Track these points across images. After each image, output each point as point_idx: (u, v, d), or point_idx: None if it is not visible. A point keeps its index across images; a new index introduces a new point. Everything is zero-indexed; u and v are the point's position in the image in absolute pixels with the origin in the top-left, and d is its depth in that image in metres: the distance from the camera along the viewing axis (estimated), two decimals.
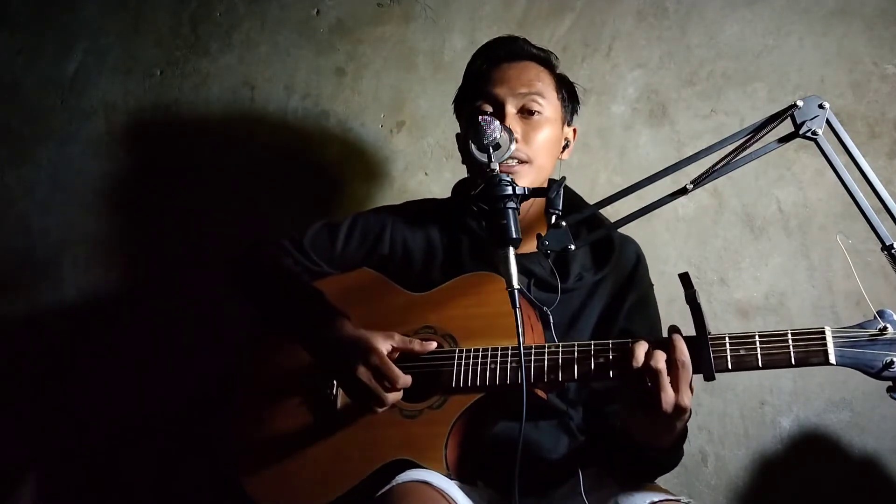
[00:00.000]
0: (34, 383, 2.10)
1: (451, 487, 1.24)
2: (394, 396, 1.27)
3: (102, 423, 2.03)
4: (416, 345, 1.31)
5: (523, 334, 1.17)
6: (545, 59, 1.52)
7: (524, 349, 1.24)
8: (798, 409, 1.70)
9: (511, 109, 1.43)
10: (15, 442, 1.99)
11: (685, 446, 1.71)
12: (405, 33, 2.08)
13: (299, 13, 2.16)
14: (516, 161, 1.40)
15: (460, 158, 1.57)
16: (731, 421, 1.73)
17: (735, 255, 1.78)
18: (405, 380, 1.26)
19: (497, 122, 1.23)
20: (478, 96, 1.48)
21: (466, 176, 1.57)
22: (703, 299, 1.73)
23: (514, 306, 1.15)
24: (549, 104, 1.46)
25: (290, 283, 1.44)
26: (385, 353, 1.26)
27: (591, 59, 1.94)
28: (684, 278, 1.12)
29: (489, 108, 1.45)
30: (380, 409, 1.28)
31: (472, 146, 1.23)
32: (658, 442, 1.21)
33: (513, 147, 1.25)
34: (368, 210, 1.60)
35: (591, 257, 1.49)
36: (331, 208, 2.03)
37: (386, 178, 2.03)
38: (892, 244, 1.07)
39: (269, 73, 2.15)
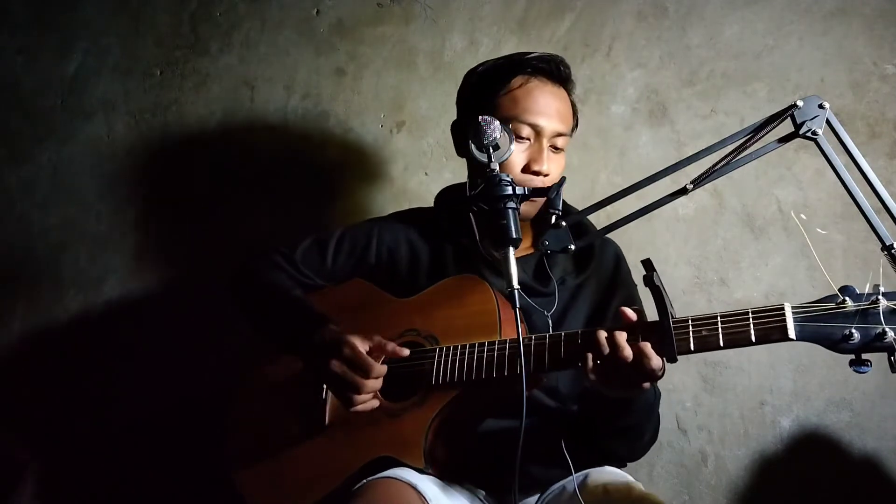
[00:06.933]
0: (34, 383, 2.10)
1: (423, 482, 1.26)
2: (371, 384, 1.29)
3: (102, 424, 2.03)
4: (390, 346, 1.32)
5: (519, 332, 1.18)
6: (572, 89, 1.51)
7: (501, 342, 1.28)
8: (798, 409, 1.70)
9: (546, 144, 1.41)
10: (15, 442, 1.99)
11: (685, 446, 1.74)
12: (405, 33, 2.08)
13: (299, 13, 2.16)
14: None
15: (460, 159, 1.58)
16: (731, 421, 1.73)
17: (735, 255, 1.78)
18: (380, 369, 1.29)
19: (497, 122, 1.22)
20: (515, 110, 1.41)
21: (450, 185, 1.61)
22: (703, 299, 1.77)
23: (513, 306, 1.16)
24: (569, 137, 1.48)
25: (282, 295, 1.49)
26: (359, 347, 1.29)
27: (591, 59, 1.94)
28: (646, 264, 1.12)
29: (526, 131, 1.41)
30: (358, 398, 1.29)
31: (472, 146, 1.23)
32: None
33: (512, 147, 1.26)
34: (356, 223, 1.63)
35: (573, 262, 1.51)
36: (331, 208, 2.03)
37: (386, 179, 2.03)
38: (892, 244, 1.07)
39: (269, 73, 2.15)
